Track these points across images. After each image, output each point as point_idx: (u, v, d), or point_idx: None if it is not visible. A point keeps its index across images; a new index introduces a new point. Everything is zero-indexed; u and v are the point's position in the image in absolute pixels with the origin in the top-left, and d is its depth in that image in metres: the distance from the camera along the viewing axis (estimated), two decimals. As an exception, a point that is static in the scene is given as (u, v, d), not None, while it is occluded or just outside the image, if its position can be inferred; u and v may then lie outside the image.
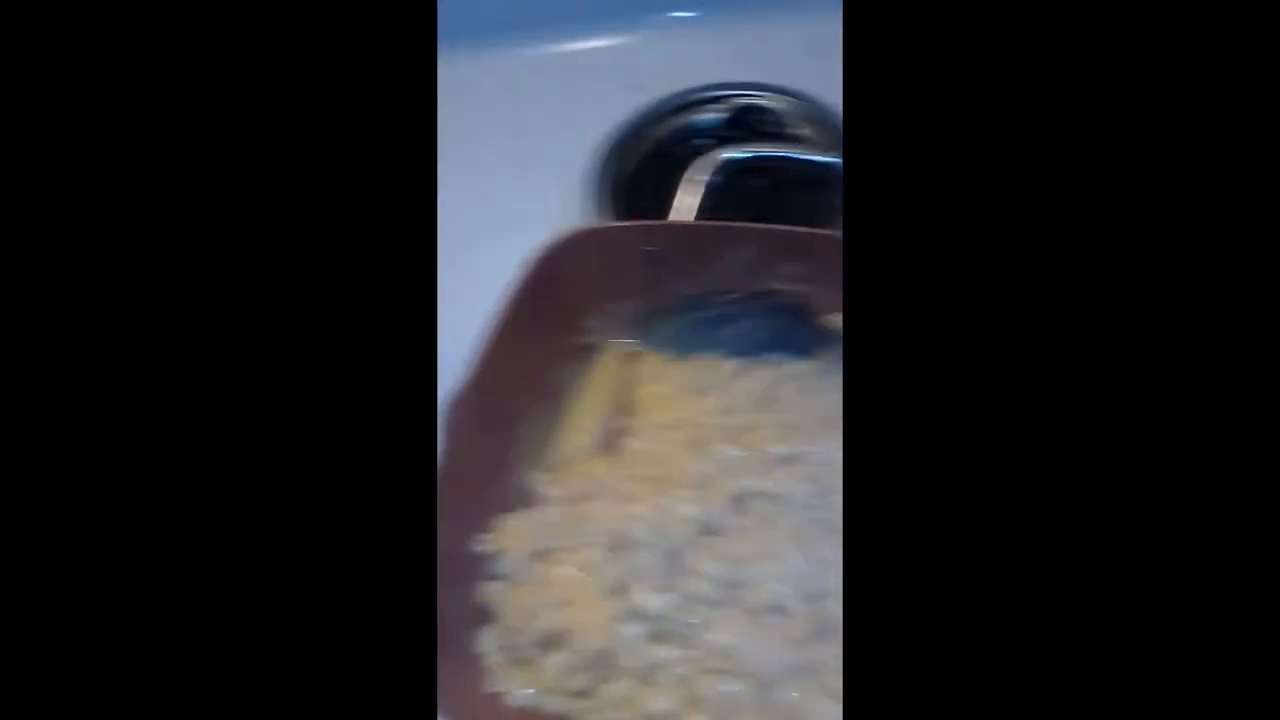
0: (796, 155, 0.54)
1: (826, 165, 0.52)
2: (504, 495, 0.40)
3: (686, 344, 0.44)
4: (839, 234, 0.33)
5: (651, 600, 0.35)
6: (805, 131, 0.57)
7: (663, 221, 0.49)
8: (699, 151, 0.54)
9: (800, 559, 0.36)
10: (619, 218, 0.53)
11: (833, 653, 0.33)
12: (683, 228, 0.46)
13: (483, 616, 0.36)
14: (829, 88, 0.58)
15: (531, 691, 0.34)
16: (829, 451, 0.39)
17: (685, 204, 0.48)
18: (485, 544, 0.38)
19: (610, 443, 0.42)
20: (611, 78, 0.63)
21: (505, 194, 0.57)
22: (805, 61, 0.60)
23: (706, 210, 0.48)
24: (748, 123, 0.59)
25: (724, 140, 0.53)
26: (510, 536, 0.38)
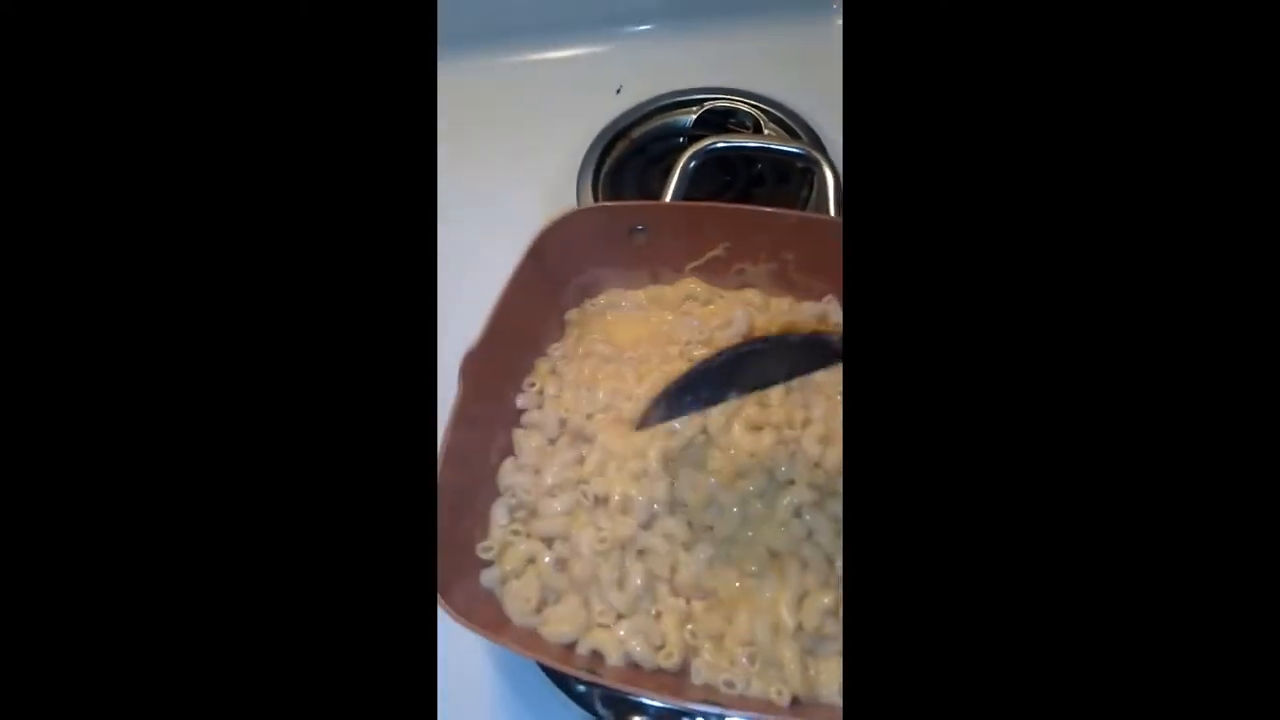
0: (765, 145, 0.60)
1: (791, 154, 0.58)
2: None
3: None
4: (803, 214, 0.38)
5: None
6: (770, 130, 0.64)
7: (650, 201, 0.55)
8: (675, 148, 0.60)
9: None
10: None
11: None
12: (668, 207, 0.52)
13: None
14: (791, 93, 0.66)
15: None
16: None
17: (667, 189, 0.54)
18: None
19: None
20: (594, 83, 0.70)
21: (504, 184, 0.63)
22: (768, 70, 0.68)
23: (685, 195, 0.54)
24: (718, 123, 0.65)
25: (695, 138, 0.59)
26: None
